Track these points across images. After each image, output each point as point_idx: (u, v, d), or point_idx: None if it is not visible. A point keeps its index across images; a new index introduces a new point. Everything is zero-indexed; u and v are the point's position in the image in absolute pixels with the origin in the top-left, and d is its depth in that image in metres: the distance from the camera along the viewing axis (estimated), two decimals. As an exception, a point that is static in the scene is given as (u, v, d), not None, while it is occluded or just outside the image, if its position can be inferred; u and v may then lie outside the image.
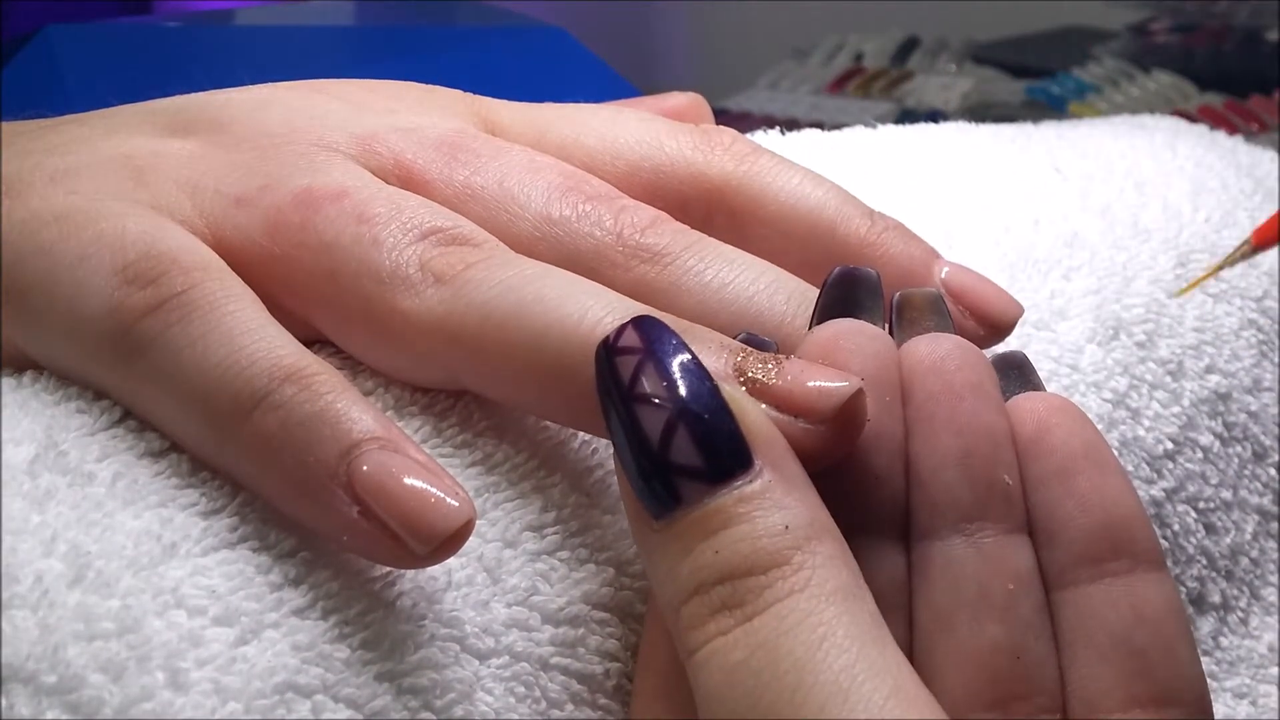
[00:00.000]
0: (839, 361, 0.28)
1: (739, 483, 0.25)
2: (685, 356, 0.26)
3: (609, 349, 0.26)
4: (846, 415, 0.27)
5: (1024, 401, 0.29)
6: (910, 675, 0.24)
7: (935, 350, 0.29)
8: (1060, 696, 0.27)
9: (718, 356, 0.28)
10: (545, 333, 0.28)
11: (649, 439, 0.26)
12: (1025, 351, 0.38)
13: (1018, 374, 0.31)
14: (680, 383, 0.26)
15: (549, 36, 0.56)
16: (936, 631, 0.27)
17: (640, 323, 0.27)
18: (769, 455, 0.26)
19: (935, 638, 0.27)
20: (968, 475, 0.28)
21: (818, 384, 0.27)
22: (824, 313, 0.30)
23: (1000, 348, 0.37)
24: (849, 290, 0.30)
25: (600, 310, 0.28)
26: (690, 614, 0.25)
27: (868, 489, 0.28)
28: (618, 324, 0.27)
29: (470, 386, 0.30)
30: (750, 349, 0.28)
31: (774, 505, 0.25)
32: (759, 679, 0.24)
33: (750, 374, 0.27)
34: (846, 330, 0.29)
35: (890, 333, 0.30)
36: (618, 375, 0.26)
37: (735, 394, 0.26)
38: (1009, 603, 0.27)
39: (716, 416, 0.26)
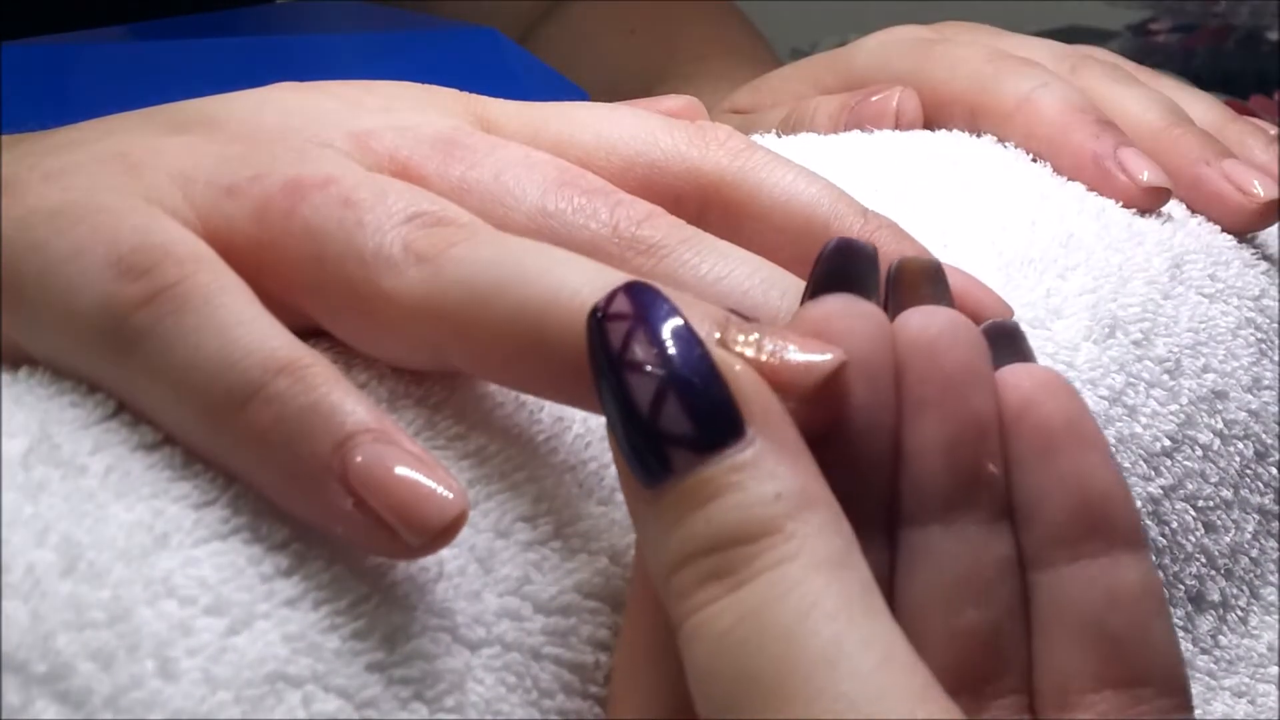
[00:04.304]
0: (830, 343, 0.28)
1: (731, 451, 0.25)
2: (677, 322, 0.26)
3: (600, 315, 0.26)
4: (827, 391, 0.27)
5: (1009, 376, 0.29)
6: (902, 643, 0.24)
7: (928, 328, 0.29)
8: (1027, 676, 0.27)
9: (700, 326, 0.27)
10: (525, 305, 0.28)
11: (639, 407, 0.25)
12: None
13: (1008, 343, 0.30)
14: (671, 349, 0.25)
15: (480, 37, 0.55)
16: (916, 617, 0.27)
17: (631, 288, 0.26)
18: (762, 422, 0.25)
19: (914, 623, 0.27)
20: (952, 463, 0.28)
21: (800, 359, 0.27)
22: (819, 284, 0.29)
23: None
24: (846, 262, 0.29)
25: (578, 281, 0.28)
26: (680, 583, 0.25)
27: (856, 477, 0.28)
28: (598, 294, 0.27)
29: (457, 365, 0.30)
30: (734, 318, 0.28)
31: (766, 473, 0.25)
32: (745, 648, 0.24)
33: (730, 345, 0.27)
34: (839, 310, 0.28)
35: (886, 304, 0.29)
36: (608, 342, 0.26)
37: (728, 359, 0.26)
38: (987, 589, 0.27)
39: (708, 383, 0.25)
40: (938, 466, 0.28)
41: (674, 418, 0.25)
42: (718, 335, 0.27)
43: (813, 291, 0.29)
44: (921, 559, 0.27)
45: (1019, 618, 0.28)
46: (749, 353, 0.27)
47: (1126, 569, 0.28)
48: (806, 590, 0.24)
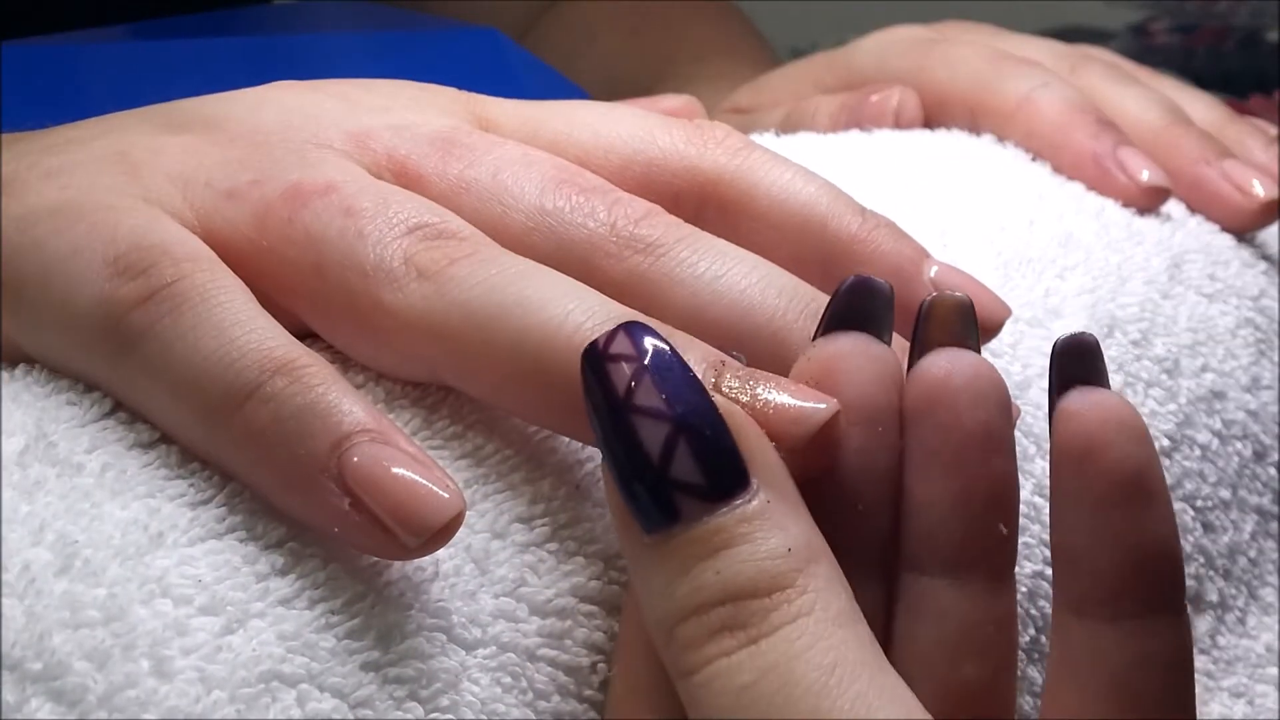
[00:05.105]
0: (835, 384, 0.27)
1: (739, 501, 0.25)
2: (683, 367, 0.26)
3: (598, 354, 0.26)
4: (818, 443, 0.26)
5: (1077, 406, 0.27)
6: (914, 699, 0.24)
7: (951, 375, 0.28)
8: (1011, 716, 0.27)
9: (695, 369, 0.27)
10: (525, 335, 0.28)
11: (649, 453, 0.25)
12: (1021, 348, 0.38)
13: (1082, 362, 0.28)
14: (681, 395, 0.25)
15: (480, 37, 0.54)
16: (912, 664, 0.27)
17: (632, 329, 0.26)
18: (765, 473, 0.25)
19: (910, 669, 0.27)
20: (962, 520, 0.27)
21: (792, 405, 0.26)
22: (832, 322, 0.28)
23: (1007, 342, 0.37)
24: (860, 300, 0.28)
25: (581, 315, 0.28)
26: (688, 634, 0.25)
27: (851, 522, 0.27)
28: (598, 329, 0.27)
29: (452, 384, 0.30)
30: (728, 361, 0.27)
31: (775, 526, 0.25)
32: (771, 703, 0.24)
33: (725, 393, 0.27)
34: (848, 351, 0.28)
35: (914, 339, 0.29)
36: (610, 383, 0.25)
37: (731, 408, 0.26)
38: (987, 645, 0.27)
39: (717, 432, 0.25)
40: (948, 523, 0.27)
41: (685, 466, 0.25)
42: (712, 379, 0.27)
43: (825, 329, 0.28)
44: (924, 609, 0.27)
45: (1014, 668, 0.28)
46: (742, 398, 0.27)
47: (1164, 635, 0.27)
48: (828, 645, 0.24)
